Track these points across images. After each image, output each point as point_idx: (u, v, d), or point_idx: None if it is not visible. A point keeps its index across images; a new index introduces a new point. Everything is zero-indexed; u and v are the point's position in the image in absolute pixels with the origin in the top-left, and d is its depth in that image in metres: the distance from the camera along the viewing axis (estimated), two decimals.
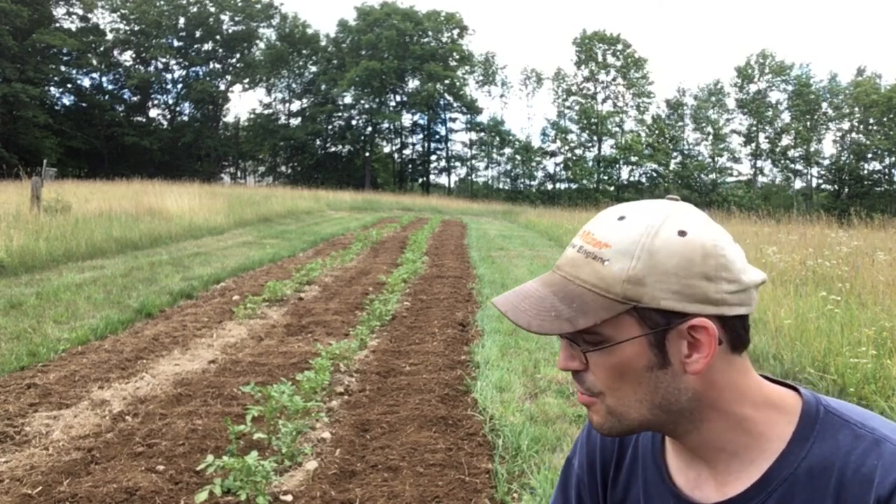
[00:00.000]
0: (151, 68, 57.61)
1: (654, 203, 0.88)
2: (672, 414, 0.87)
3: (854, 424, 0.86)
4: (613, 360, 0.86)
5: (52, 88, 51.78)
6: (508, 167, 58.89)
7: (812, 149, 53.98)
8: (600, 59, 56.22)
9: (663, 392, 0.86)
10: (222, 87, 59.48)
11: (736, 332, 0.86)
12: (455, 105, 59.24)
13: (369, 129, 59.32)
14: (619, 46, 55.96)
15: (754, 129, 55.04)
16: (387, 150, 62.74)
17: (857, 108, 51.31)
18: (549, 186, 58.53)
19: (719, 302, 0.83)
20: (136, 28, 55.51)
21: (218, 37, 58.44)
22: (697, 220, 0.86)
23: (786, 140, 54.72)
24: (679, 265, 0.82)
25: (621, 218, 0.87)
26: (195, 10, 57.26)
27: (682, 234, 0.83)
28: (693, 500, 0.92)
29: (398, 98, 59.81)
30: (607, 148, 56.02)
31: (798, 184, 57.54)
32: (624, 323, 0.84)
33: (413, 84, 59.32)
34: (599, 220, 0.89)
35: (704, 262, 0.83)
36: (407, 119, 60.55)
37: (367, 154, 59.18)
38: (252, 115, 61.47)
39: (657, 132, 55.09)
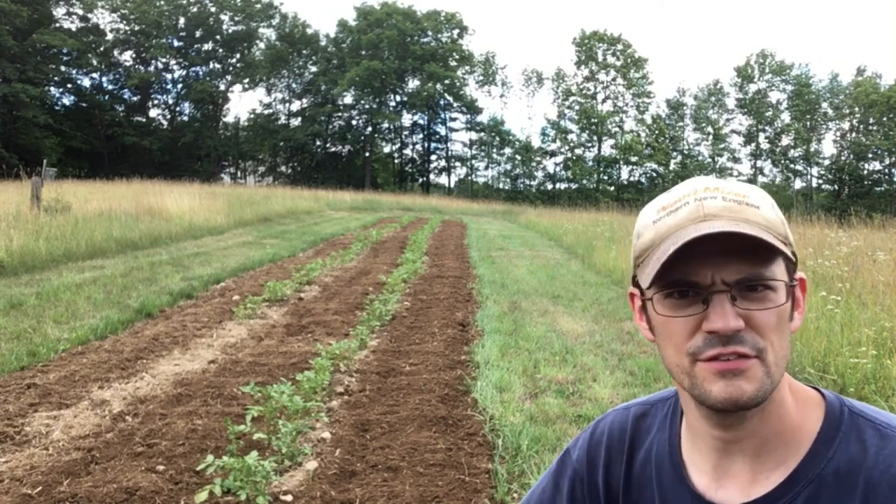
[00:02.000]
0: (151, 68, 57.62)
1: None
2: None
3: (879, 425, 0.85)
4: (781, 307, 0.83)
5: (52, 88, 51.79)
6: (508, 167, 58.91)
7: (812, 149, 53.99)
8: (600, 59, 56.21)
9: (790, 348, 0.86)
10: (222, 87, 59.52)
11: None
12: (455, 105, 59.26)
13: (369, 129, 59.32)
14: (619, 46, 55.96)
15: (754, 129, 55.04)
16: (387, 150, 62.82)
17: (857, 108, 51.29)
18: (549, 186, 58.53)
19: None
20: (136, 28, 55.48)
21: (218, 37, 58.43)
22: None
23: (786, 140, 54.74)
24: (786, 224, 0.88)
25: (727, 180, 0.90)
26: (195, 10, 57.26)
27: None
28: (715, 502, 0.90)
29: (398, 98, 59.83)
30: (607, 148, 56.07)
31: (798, 184, 57.64)
32: (781, 268, 0.84)
33: (413, 84, 59.36)
34: (709, 180, 0.89)
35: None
36: (407, 119, 60.67)
37: (367, 154, 59.18)
38: (252, 116, 61.60)
39: (657, 132, 55.07)
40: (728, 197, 0.85)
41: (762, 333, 0.82)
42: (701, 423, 0.91)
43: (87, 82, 55.51)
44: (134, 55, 57.68)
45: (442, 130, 60.58)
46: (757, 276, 0.82)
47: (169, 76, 58.93)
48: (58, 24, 51.96)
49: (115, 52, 56.65)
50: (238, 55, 59.78)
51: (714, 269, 0.82)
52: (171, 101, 59.77)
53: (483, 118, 59.10)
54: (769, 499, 0.86)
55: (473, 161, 60.45)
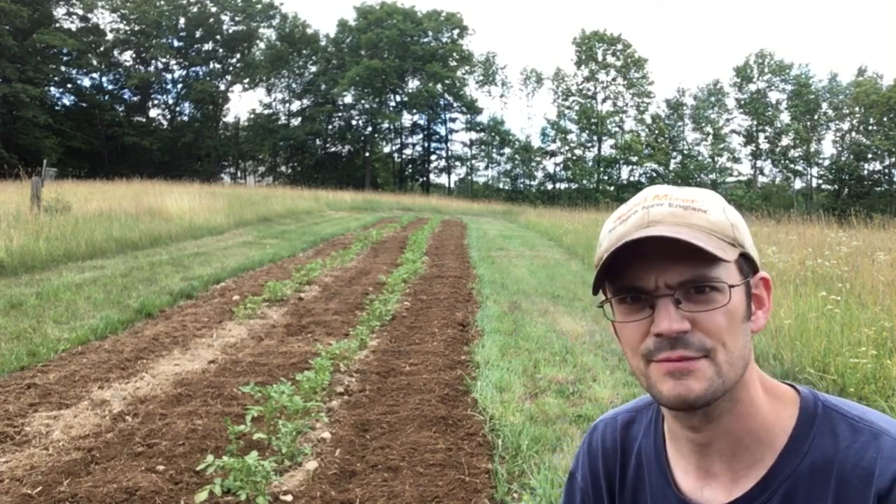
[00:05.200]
0: (151, 68, 57.58)
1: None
2: (739, 380, 0.87)
3: (852, 419, 0.86)
4: (729, 307, 0.85)
5: (52, 88, 51.75)
6: (508, 167, 58.87)
7: (812, 149, 53.96)
8: (600, 58, 56.18)
9: (749, 347, 0.88)
10: (222, 87, 59.49)
11: None
12: (455, 105, 59.24)
13: (369, 129, 59.32)
14: (619, 46, 55.92)
15: (754, 129, 55.01)
16: (387, 150, 62.80)
17: (857, 109, 51.26)
18: (549, 186, 58.50)
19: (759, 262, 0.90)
20: (136, 28, 55.44)
21: (218, 37, 58.40)
22: None
23: (786, 140, 54.69)
24: (743, 224, 0.89)
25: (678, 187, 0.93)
26: (195, 10, 57.23)
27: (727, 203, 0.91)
28: (700, 503, 0.92)
29: (398, 98, 59.83)
30: (607, 148, 56.06)
31: (798, 184, 57.60)
32: (731, 269, 0.86)
33: (413, 84, 59.35)
34: (661, 188, 0.92)
35: (748, 227, 0.90)
36: (407, 119, 60.63)
37: (367, 154, 59.17)
38: (252, 115, 61.56)
39: (657, 132, 55.05)
40: (675, 203, 0.87)
41: (710, 334, 0.84)
42: (675, 425, 0.94)
43: (87, 82, 55.54)
44: (134, 55, 57.70)
45: (442, 130, 60.64)
46: (699, 278, 0.84)
47: (169, 76, 58.97)
48: (58, 24, 51.91)
49: (115, 52, 56.65)
50: (238, 55, 59.75)
51: (658, 273, 0.85)
52: (171, 101, 59.80)
53: (483, 118, 59.17)
54: (749, 497, 0.88)
55: (473, 161, 60.48)
